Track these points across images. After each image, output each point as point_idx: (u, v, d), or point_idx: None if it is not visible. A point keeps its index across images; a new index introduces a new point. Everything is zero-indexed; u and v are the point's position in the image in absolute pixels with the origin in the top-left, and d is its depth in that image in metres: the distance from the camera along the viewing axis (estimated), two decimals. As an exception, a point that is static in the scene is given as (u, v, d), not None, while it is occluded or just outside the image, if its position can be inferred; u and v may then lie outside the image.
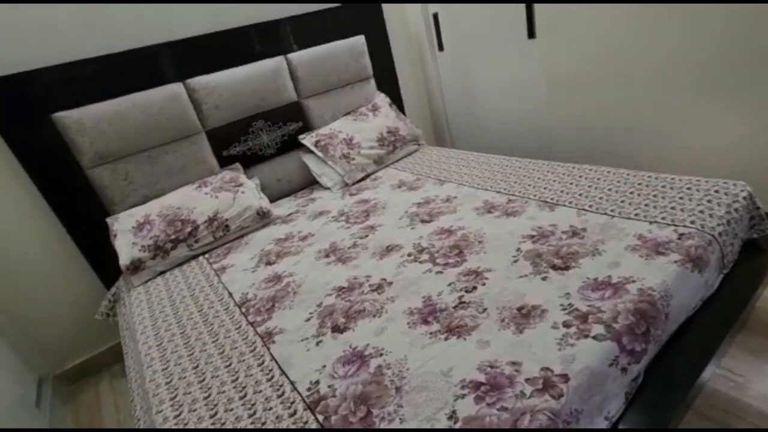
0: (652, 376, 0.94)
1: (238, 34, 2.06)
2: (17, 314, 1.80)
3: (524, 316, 1.00)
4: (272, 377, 1.02)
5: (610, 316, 0.93)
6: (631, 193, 1.41)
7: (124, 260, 1.64)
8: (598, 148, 2.14)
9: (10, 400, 1.56)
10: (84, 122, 1.67)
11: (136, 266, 1.65)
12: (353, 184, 2.14)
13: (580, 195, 1.48)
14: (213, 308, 1.38)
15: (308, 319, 1.20)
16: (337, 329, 1.12)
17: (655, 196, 1.35)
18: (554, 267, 1.14)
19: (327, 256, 1.52)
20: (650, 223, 1.22)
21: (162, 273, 1.71)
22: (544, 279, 1.10)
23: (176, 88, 1.88)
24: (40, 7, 1.61)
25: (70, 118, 1.65)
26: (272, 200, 2.11)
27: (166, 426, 0.97)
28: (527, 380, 0.83)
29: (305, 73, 2.21)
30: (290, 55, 2.18)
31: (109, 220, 1.77)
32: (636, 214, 1.28)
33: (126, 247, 1.66)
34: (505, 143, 2.59)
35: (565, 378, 0.82)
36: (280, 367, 1.04)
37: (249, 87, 2.05)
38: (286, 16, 2.17)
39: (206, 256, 1.76)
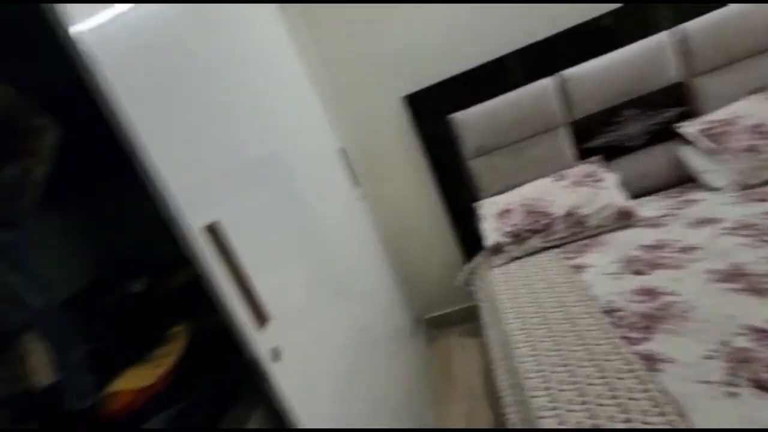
0: None
1: (612, 17, 1.87)
2: (407, 268, 2.40)
3: None
4: (663, 413, 0.91)
5: None
6: None
7: (488, 242, 1.87)
8: None
9: (402, 328, 2.11)
10: (469, 121, 1.97)
11: (497, 249, 1.85)
12: (758, 186, 1.61)
13: None
14: (576, 308, 1.37)
15: (709, 357, 0.99)
16: (762, 387, 0.87)
17: None
18: None
19: (727, 280, 1.21)
20: None
21: (515, 259, 1.85)
22: None
23: (544, 83, 1.91)
24: (433, 37, 2.02)
25: (460, 118, 1.99)
26: (632, 197, 1.88)
27: (546, 417, 1.03)
28: None
29: (700, 45, 1.79)
30: (683, 25, 1.81)
31: (477, 204, 2.05)
32: None
33: (491, 231, 1.88)
34: None
35: None
36: (677, 408, 0.91)
37: (621, 72, 1.85)
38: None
39: (558, 249, 1.76)
